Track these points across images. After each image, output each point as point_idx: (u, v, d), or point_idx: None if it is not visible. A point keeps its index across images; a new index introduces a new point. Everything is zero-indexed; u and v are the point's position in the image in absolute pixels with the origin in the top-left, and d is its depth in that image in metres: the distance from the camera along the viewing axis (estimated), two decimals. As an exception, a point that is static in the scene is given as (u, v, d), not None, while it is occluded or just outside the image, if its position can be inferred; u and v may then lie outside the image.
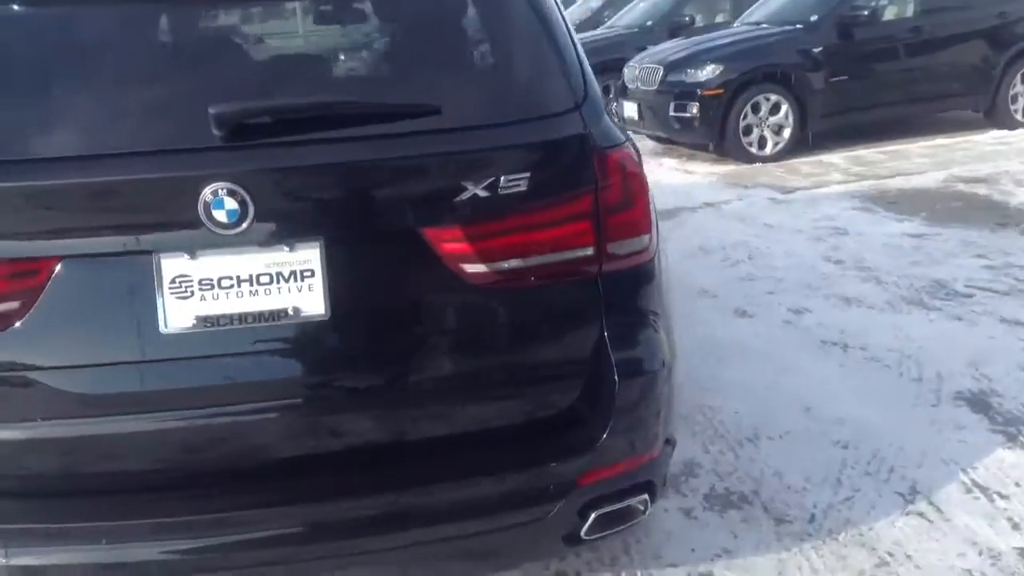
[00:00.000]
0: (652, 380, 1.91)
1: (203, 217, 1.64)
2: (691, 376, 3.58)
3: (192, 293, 1.71)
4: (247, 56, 1.87)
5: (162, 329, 1.70)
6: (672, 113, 8.16)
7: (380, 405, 1.82)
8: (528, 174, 1.74)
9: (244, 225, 1.66)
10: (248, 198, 1.64)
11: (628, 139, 1.94)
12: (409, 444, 1.83)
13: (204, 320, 1.70)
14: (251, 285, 1.71)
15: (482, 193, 1.72)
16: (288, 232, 1.70)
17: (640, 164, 1.93)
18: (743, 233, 5.82)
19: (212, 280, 1.71)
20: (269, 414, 1.77)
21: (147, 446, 1.77)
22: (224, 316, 1.71)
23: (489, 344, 1.84)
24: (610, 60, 9.86)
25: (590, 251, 1.81)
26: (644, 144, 9.28)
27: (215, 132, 1.64)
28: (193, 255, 1.70)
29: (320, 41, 1.90)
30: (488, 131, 1.76)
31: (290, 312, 1.72)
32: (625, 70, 9.01)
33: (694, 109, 7.99)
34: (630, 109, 8.79)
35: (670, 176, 7.94)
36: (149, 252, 1.69)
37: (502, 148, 1.76)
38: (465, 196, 1.72)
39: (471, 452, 1.84)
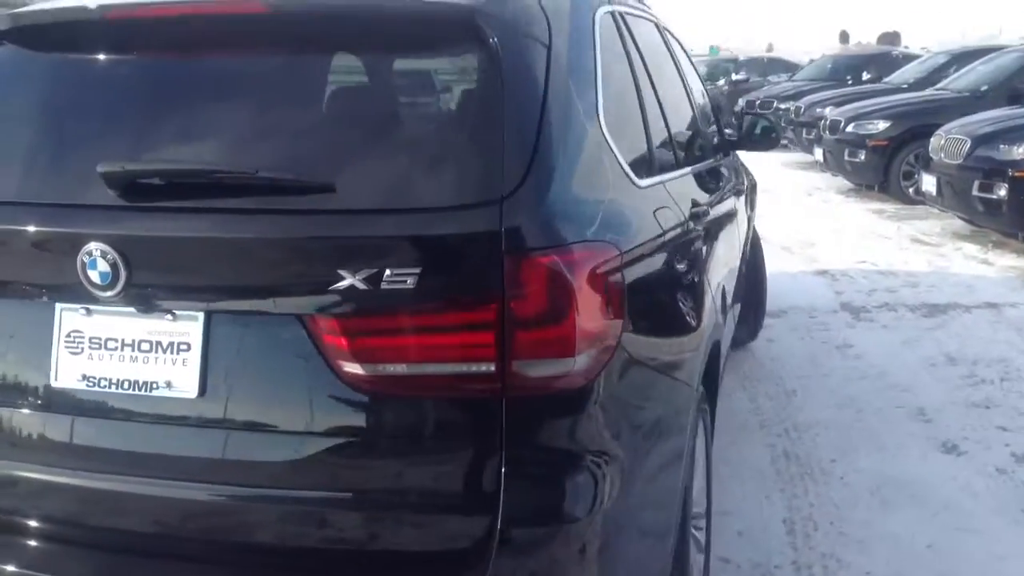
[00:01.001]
0: (558, 534, 1.54)
1: (81, 276, 1.60)
2: (836, 517, 2.99)
3: (83, 350, 1.68)
4: (150, 114, 1.78)
5: (52, 381, 1.67)
6: (976, 193, 7.05)
7: (237, 501, 1.64)
8: (417, 270, 1.49)
9: (117, 288, 1.59)
10: (119, 261, 1.57)
11: (594, 241, 1.60)
12: (255, 546, 1.63)
13: (87, 378, 1.67)
14: (132, 350, 1.66)
15: (361, 285, 1.49)
16: (167, 301, 1.61)
17: (597, 274, 1.58)
18: (1011, 348, 4.83)
19: (100, 339, 1.69)
20: (127, 486, 1.67)
21: (24, 492, 1.77)
22: (105, 378, 1.67)
23: (364, 456, 1.60)
24: (920, 127, 8.77)
25: (491, 368, 1.50)
26: (950, 223, 8.18)
27: (100, 191, 1.60)
28: (88, 312, 1.65)
29: (225, 105, 1.76)
30: (378, 217, 1.55)
31: (162, 384, 1.62)
32: (932, 139, 7.96)
33: (1002, 191, 6.84)
34: (929, 183, 7.76)
35: (962, 265, 6.87)
36: (50, 303, 1.67)
37: (390, 238, 1.53)
38: (343, 286, 1.50)
39: (326, 569, 1.59)
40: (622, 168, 1.93)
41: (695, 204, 2.48)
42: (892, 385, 4.28)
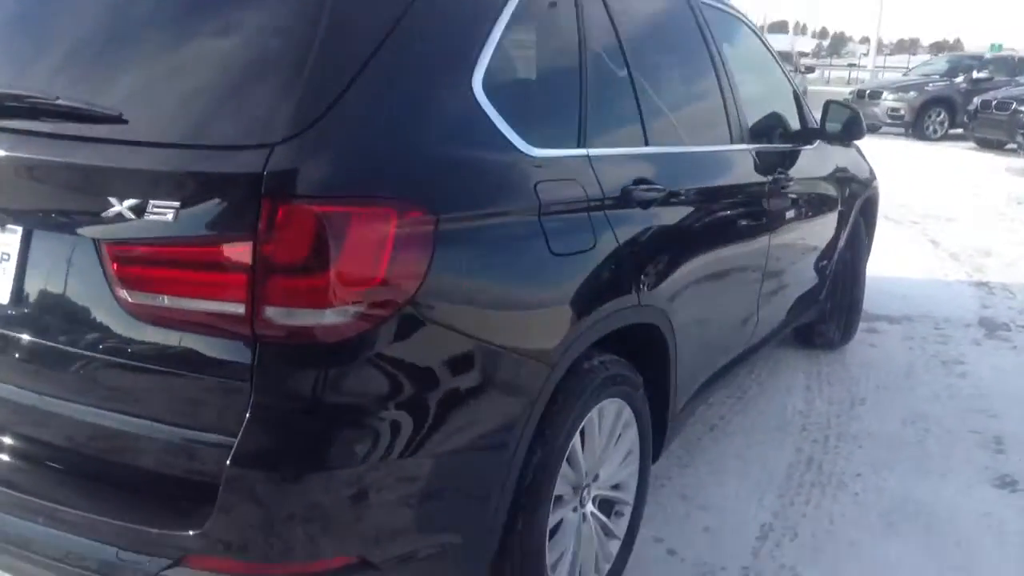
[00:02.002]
0: (280, 484, 1.54)
1: None
2: (823, 532, 2.80)
3: None
4: None
5: None
6: None
7: (30, 403, 1.76)
8: (177, 204, 1.54)
9: None
10: None
11: (386, 197, 1.58)
12: (48, 448, 1.75)
13: None
14: None
15: (128, 214, 1.57)
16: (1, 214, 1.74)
17: (380, 230, 1.55)
18: None
19: None
20: None
21: None
22: None
23: (132, 382, 1.67)
24: None
25: (240, 310, 1.52)
26: None
27: None
28: None
29: (36, 34, 1.88)
30: (150, 150, 1.60)
31: None
32: None
33: None
34: None
35: None
36: None
37: (152, 171, 1.58)
38: (114, 213, 1.58)
39: (95, 482, 1.69)
40: (496, 133, 1.85)
41: (646, 183, 2.30)
42: (981, 409, 3.82)
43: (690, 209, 2.56)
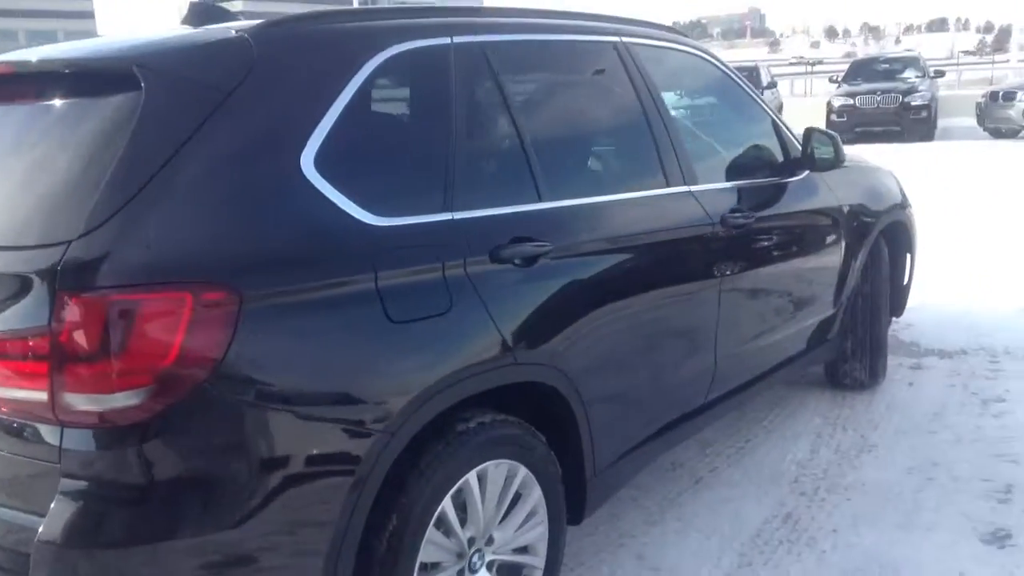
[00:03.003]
0: (94, 554, 1.69)
1: None
2: None
3: None
4: None
5: None
6: None
7: None
8: None
9: None
10: None
11: (184, 283, 1.71)
12: None
13: None
14: None
15: None
16: None
17: (173, 314, 1.69)
18: None
19: None
20: None
21: None
22: None
23: None
24: None
25: (44, 397, 1.70)
26: None
27: None
28: None
29: None
30: None
31: None
32: None
33: None
34: None
35: None
36: None
37: None
38: None
39: None
40: (328, 207, 1.95)
41: (531, 240, 2.33)
42: (1002, 454, 3.57)
43: (593, 261, 2.57)
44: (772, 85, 18.72)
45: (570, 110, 2.88)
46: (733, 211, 3.12)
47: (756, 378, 3.46)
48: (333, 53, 2.12)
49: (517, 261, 2.30)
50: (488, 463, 2.24)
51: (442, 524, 2.16)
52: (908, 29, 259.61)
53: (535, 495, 2.41)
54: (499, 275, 2.25)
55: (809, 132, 3.55)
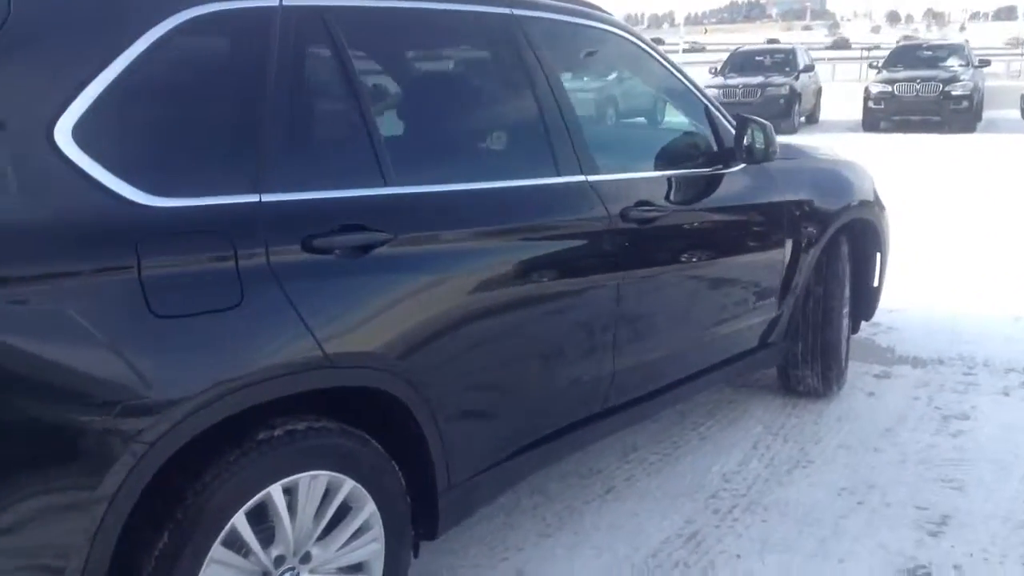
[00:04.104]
0: None
1: None
2: None
3: None
4: None
5: None
6: None
7: None
8: None
9: None
10: None
11: None
12: None
13: None
14: None
15: None
16: None
17: None
18: None
19: None
20: None
21: None
22: None
23: None
24: None
25: None
26: None
27: None
28: None
29: None
30: None
31: None
32: None
33: None
34: None
35: None
36: None
37: None
38: None
39: None
40: (84, 183, 1.72)
41: (363, 229, 2.10)
42: (948, 479, 3.27)
43: (450, 255, 2.32)
44: (809, 68, 18.09)
45: (436, 88, 2.63)
46: (639, 204, 2.84)
47: (674, 384, 3.19)
48: (112, 13, 1.88)
49: (339, 251, 2.06)
50: (300, 475, 2.02)
51: (235, 542, 1.94)
52: (974, 16, 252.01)
53: (367, 509, 2.18)
54: (314, 266, 2.01)
55: (743, 121, 3.24)
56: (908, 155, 12.90)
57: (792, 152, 3.97)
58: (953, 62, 17.10)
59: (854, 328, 4.35)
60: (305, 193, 2.05)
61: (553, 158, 2.66)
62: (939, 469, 3.35)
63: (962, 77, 16.11)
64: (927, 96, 16.02)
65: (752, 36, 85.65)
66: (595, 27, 3.03)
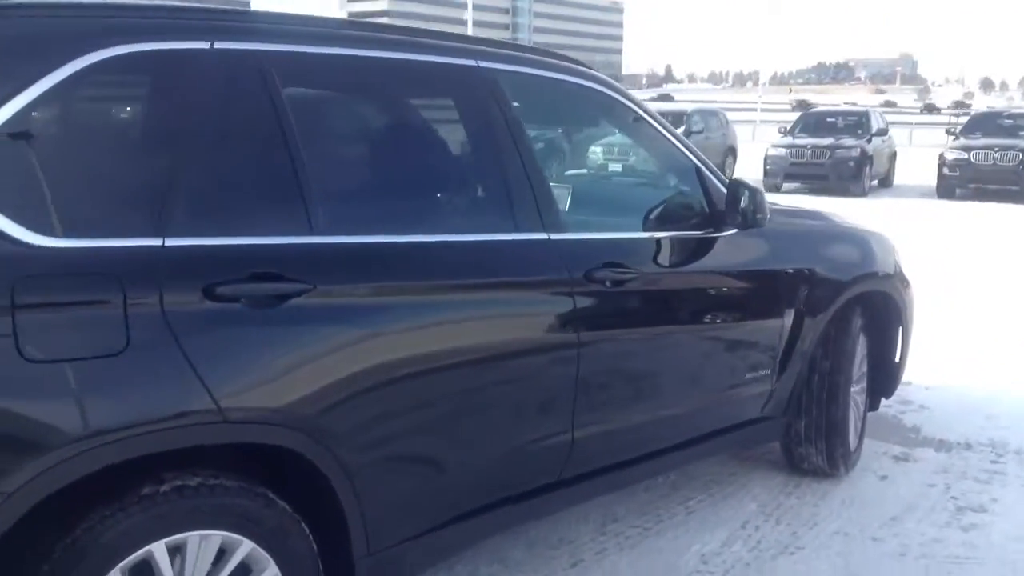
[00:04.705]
0: None
1: None
2: None
3: None
4: None
5: None
6: None
7: None
8: None
9: None
10: None
11: None
12: None
13: None
14: None
15: None
16: None
17: None
18: None
19: None
20: None
21: None
22: None
23: None
24: None
25: None
26: None
27: None
28: None
29: None
30: None
31: None
32: None
33: None
34: None
35: None
36: None
37: None
38: None
39: None
40: None
41: (279, 279, 2.01)
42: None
43: (380, 309, 2.21)
44: (882, 132, 17.64)
45: (383, 138, 2.54)
46: (609, 265, 2.70)
47: (645, 456, 3.00)
48: (18, 50, 1.84)
49: (246, 301, 1.97)
50: (189, 533, 1.91)
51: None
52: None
53: (268, 573, 2.06)
54: (216, 315, 1.92)
55: (736, 185, 3.07)
56: (978, 224, 12.39)
57: (802, 217, 3.79)
58: (1034, 131, 16.46)
59: (872, 406, 4.08)
60: (214, 239, 1.97)
61: (511, 214, 2.55)
62: (940, 566, 3.06)
63: (1043, 146, 15.47)
64: (1005, 165, 15.42)
65: (838, 98, 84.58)
66: (573, 82, 2.92)
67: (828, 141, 16.65)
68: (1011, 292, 7.64)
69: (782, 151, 16.89)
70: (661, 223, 3.06)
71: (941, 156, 16.13)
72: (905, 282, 3.97)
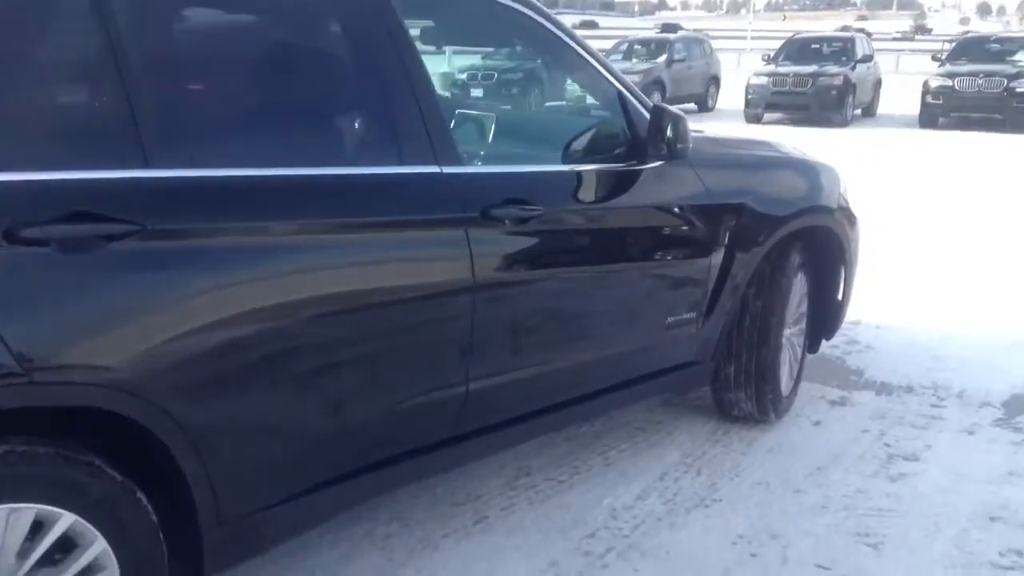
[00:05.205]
0: None
1: None
2: None
3: None
4: None
5: None
6: None
7: None
8: None
9: None
10: None
11: None
12: None
13: None
14: None
15: None
16: None
17: None
18: None
19: None
20: None
21: None
22: None
23: None
24: None
25: None
26: None
27: None
28: None
29: None
30: None
31: None
32: None
33: None
34: None
35: None
36: None
37: None
38: None
39: None
40: None
41: (95, 218, 1.79)
42: (867, 533, 2.85)
43: (230, 252, 1.99)
44: (867, 58, 17.21)
45: (239, 55, 2.28)
46: (511, 201, 2.48)
47: (554, 407, 2.83)
48: None
49: (55, 244, 1.74)
50: None
51: None
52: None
53: (97, 548, 1.88)
54: (19, 260, 1.70)
55: (659, 112, 2.83)
56: (956, 157, 12.14)
57: (738, 147, 3.56)
58: (1021, 57, 16.07)
59: (812, 348, 3.92)
60: (18, 174, 1.75)
61: (396, 144, 2.32)
62: (861, 520, 2.93)
63: (1030, 73, 15.12)
64: (989, 92, 15.08)
65: (832, 24, 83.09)
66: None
67: (811, 69, 16.27)
68: (980, 230, 7.45)
69: (764, 79, 16.50)
70: (580, 155, 2.83)
71: (925, 83, 15.76)
72: (851, 218, 3.76)
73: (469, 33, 3.04)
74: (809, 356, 3.96)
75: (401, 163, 2.32)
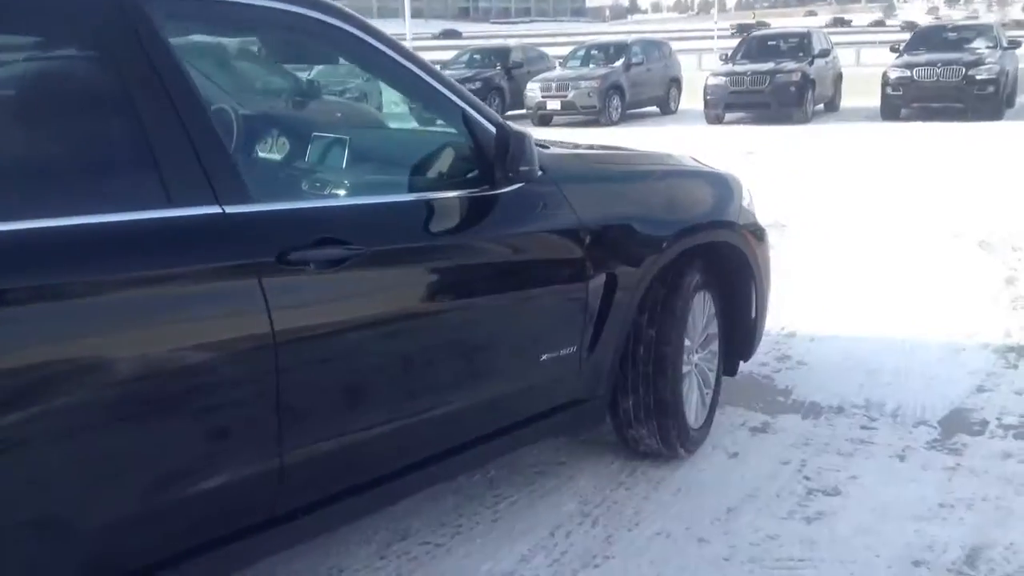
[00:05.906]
0: None
1: None
2: None
3: None
4: None
5: None
6: None
7: None
8: None
9: None
10: None
11: None
12: None
13: None
14: None
15: None
16: None
17: None
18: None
19: None
20: None
21: None
22: None
23: None
24: None
25: None
26: None
27: None
28: None
29: None
30: None
31: None
32: None
33: None
34: None
35: None
36: None
37: None
38: None
39: None
40: None
41: None
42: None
43: None
44: (825, 53, 17.01)
45: None
46: (322, 243, 2.15)
47: (403, 470, 2.49)
48: None
49: None
50: None
51: None
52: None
53: None
54: None
55: (502, 132, 2.51)
56: (915, 150, 11.90)
57: (616, 162, 3.27)
58: (979, 44, 15.89)
59: (729, 370, 3.61)
60: None
61: (160, 184, 1.97)
62: (768, 574, 2.60)
63: (987, 60, 14.90)
64: (948, 81, 14.86)
65: (797, 22, 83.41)
66: (279, 9, 2.31)
67: (768, 66, 16.06)
68: (933, 232, 7.17)
69: (721, 79, 16.26)
70: (421, 183, 2.52)
71: (884, 75, 15.56)
72: (757, 231, 3.47)
73: (262, 49, 2.70)
74: (733, 378, 3.66)
75: (169, 205, 1.98)
